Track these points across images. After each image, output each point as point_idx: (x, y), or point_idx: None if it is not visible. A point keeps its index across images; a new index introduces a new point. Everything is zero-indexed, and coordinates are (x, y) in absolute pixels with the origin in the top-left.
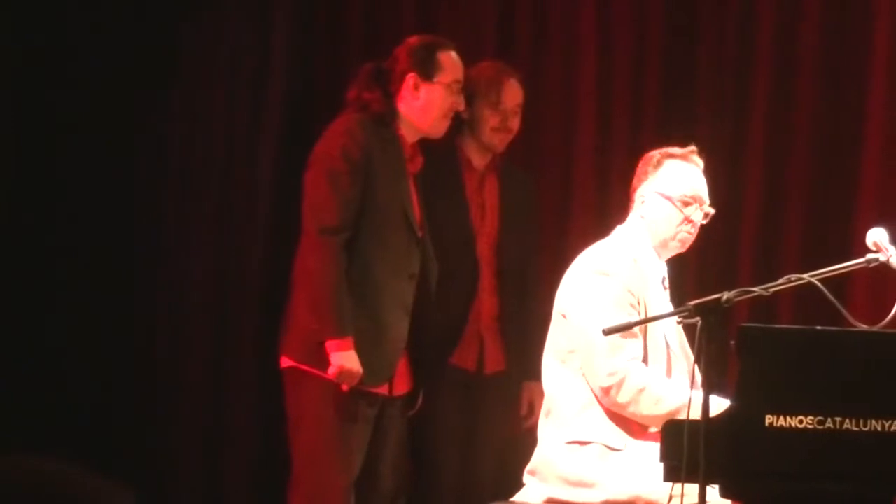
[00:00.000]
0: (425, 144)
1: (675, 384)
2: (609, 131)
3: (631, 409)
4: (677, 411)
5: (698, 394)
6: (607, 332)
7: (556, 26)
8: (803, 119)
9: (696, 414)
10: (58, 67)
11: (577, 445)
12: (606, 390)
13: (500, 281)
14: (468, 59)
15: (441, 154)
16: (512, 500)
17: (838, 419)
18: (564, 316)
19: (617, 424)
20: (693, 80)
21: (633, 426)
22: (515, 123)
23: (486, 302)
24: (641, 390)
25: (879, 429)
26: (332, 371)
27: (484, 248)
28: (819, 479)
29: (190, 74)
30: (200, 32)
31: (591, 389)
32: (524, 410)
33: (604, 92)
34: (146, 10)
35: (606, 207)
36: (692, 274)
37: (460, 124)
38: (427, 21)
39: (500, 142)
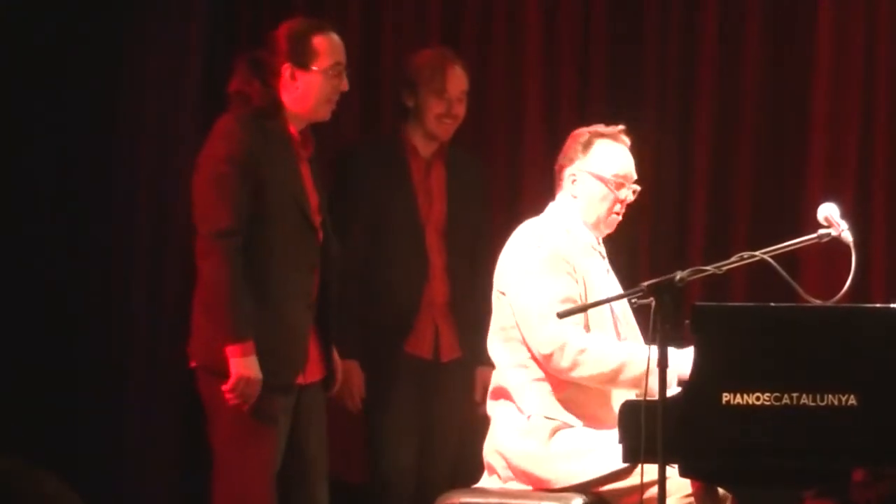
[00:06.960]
0: (372, 133)
1: (617, 342)
2: (557, 111)
3: (576, 373)
4: (623, 367)
5: (654, 350)
6: (562, 316)
7: (502, 13)
8: (750, 95)
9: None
10: None
11: (528, 422)
12: (549, 357)
13: (451, 267)
14: (414, 43)
15: (387, 142)
16: (474, 486)
17: (795, 395)
18: (503, 293)
19: (565, 406)
20: (640, 54)
21: (582, 407)
22: (460, 110)
23: (438, 289)
24: (583, 350)
25: (836, 403)
26: (230, 383)
27: (432, 236)
28: (779, 456)
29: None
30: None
31: (535, 360)
32: (478, 396)
33: (550, 71)
34: None
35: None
36: (644, 255)
37: (405, 112)
38: None
39: (444, 130)
